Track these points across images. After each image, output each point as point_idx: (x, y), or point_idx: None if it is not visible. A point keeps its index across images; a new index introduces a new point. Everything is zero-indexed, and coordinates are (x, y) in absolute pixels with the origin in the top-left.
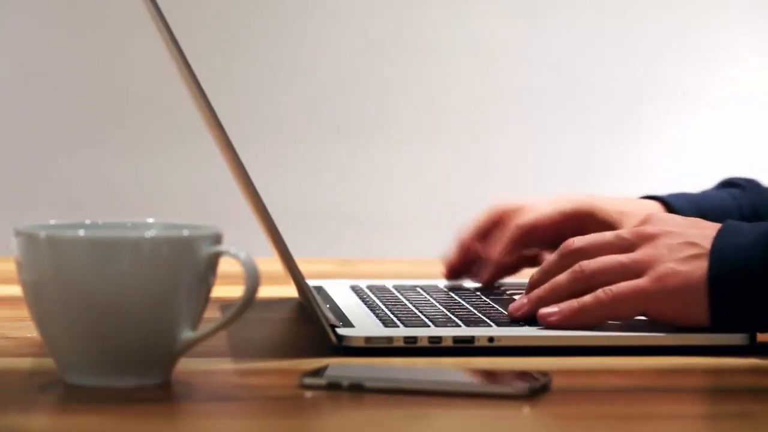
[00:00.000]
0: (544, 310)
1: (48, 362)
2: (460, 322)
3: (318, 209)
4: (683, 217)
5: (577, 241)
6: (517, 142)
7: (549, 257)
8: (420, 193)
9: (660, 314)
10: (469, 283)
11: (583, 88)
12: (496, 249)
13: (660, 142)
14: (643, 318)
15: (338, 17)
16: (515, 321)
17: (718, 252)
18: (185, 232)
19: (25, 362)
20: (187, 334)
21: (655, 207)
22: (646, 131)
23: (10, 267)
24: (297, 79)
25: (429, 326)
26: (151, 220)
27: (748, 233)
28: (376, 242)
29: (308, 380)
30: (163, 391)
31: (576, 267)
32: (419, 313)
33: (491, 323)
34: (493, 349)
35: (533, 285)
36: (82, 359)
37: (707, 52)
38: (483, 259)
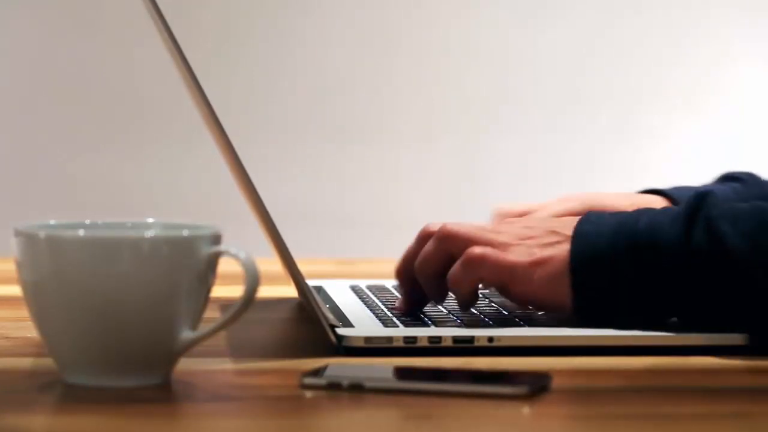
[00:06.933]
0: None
1: (48, 362)
2: (460, 322)
3: (318, 209)
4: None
5: (433, 225)
6: (519, 143)
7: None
8: (420, 194)
9: (523, 292)
10: None
11: (587, 90)
12: None
13: (664, 145)
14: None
15: (339, 17)
16: (407, 313)
17: (578, 237)
18: (185, 232)
19: (25, 362)
20: (187, 334)
21: (660, 202)
22: (650, 134)
23: (10, 267)
24: (297, 79)
25: (429, 326)
26: (151, 220)
27: (607, 221)
28: (376, 242)
29: (308, 380)
30: (163, 391)
31: (438, 231)
32: (419, 313)
33: (491, 323)
34: (492, 349)
35: (399, 271)
36: (82, 359)
37: (711, 56)
38: None
